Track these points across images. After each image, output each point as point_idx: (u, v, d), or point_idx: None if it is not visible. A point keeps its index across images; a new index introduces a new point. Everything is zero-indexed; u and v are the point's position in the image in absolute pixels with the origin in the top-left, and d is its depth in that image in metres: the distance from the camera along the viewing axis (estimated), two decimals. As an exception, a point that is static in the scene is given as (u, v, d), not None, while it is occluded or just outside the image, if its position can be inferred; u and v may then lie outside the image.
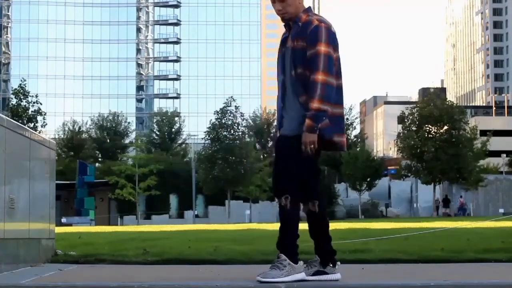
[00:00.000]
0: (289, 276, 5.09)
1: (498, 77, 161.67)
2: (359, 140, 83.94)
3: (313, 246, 5.39)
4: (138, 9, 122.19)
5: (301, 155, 5.16)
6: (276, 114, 5.72)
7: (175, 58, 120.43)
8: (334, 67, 5.17)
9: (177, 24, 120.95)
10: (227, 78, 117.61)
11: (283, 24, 5.39)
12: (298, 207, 5.23)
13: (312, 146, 5.11)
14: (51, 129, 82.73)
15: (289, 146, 5.19)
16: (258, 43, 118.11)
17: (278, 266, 5.12)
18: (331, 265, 5.28)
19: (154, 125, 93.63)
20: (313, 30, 5.15)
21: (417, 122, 59.66)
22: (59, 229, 12.92)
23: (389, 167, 74.04)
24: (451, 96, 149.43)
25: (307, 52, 5.14)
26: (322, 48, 5.10)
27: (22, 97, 59.51)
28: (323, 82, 5.09)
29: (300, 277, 5.15)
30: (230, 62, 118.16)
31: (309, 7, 5.33)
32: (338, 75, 5.27)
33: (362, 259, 7.56)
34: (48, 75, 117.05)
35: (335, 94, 5.20)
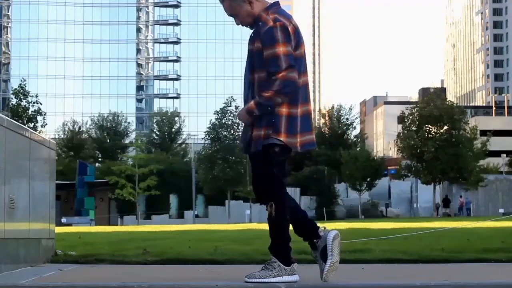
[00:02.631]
0: (277, 277, 5.07)
1: (498, 77, 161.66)
2: (359, 140, 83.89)
3: (307, 245, 5.38)
4: (138, 9, 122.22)
5: (273, 159, 5.13)
6: None
7: (175, 58, 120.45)
8: (295, 62, 5.03)
9: (177, 24, 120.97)
10: (227, 78, 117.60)
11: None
12: (285, 212, 5.16)
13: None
14: (51, 129, 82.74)
15: (259, 157, 5.16)
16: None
17: (267, 267, 5.14)
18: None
19: (154, 125, 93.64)
20: (267, 32, 5.03)
21: (417, 122, 59.70)
22: (59, 229, 12.93)
23: (389, 167, 74.05)
24: (451, 96, 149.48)
25: (263, 53, 5.04)
26: (280, 48, 4.98)
27: (22, 97, 59.52)
28: (283, 78, 4.96)
29: (291, 279, 5.11)
30: (230, 62, 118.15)
31: (271, 4, 5.21)
32: (303, 72, 5.17)
33: (362, 259, 7.56)
34: (48, 75, 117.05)
35: (295, 88, 5.05)
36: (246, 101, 5.27)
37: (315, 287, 5.10)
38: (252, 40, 5.19)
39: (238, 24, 5.31)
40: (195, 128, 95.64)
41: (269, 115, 5.08)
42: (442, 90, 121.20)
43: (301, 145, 5.20)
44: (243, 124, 5.34)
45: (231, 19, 5.34)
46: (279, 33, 5.01)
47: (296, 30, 5.15)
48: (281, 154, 5.17)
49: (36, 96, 59.97)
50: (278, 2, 5.27)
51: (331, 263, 5.13)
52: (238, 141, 60.63)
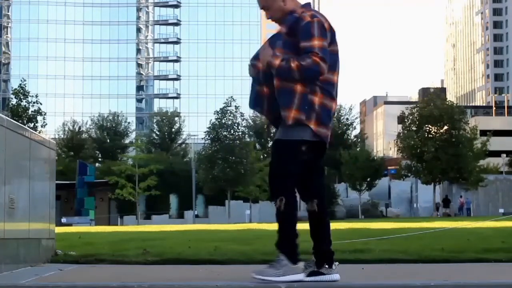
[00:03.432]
0: (285, 276, 5.06)
1: (498, 77, 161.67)
2: (359, 140, 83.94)
3: (311, 245, 5.36)
4: (138, 9, 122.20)
5: (294, 156, 5.13)
6: None
7: (175, 58, 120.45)
8: (331, 60, 5.11)
9: (177, 24, 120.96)
10: (227, 78, 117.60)
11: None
12: (294, 208, 5.19)
13: (264, 64, 5.12)
14: (51, 129, 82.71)
15: (281, 148, 5.17)
16: (258, 43, 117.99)
17: (275, 265, 5.11)
18: (326, 266, 5.20)
19: (154, 125, 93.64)
20: (304, 27, 5.11)
21: (417, 122, 59.69)
22: (59, 229, 12.92)
23: (389, 167, 74.03)
24: (451, 96, 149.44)
25: (300, 45, 5.10)
26: (316, 42, 5.06)
27: (22, 97, 59.49)
28: (314, 62, 5.01)
29: (297, 277, 5.10)
30: (230, 62, 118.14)
31: (307, 3, 5.32)
32: (334, 70, 5.22)
33: (362, 259, 7.55)
34: (48, 75, 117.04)
35: (315, 78, 5.08)
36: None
37: (315, 287, 5.10)
38: (285, 32, 5.24)
39: (268, 18, 5.37)
40: (195, 128, 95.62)
41: (301, 99, 5.09)
42: (442, 90, 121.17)
43: (326, 136, 5.24)
44: (252, 84, 5.33)
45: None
46: (316, 28, 5.11)
47: (331, 28, 5.24)
48: (306, 153, 5.18)
49: (36, 96, 59.94)
50: (310, 3, 5.38)
51: (313, 279, 5.15)
52: (238, 142, 60.58)
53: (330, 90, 5.20)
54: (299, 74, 5.04)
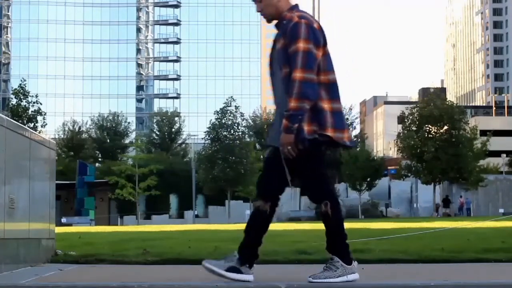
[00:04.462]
0: (342, 277, 5.08)
1: (498, 77, 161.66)
2: (359, 140, 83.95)
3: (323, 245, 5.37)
4: (138, 9, 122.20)
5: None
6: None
7: (175, 58, 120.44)
8: (315, 62, 5.06)
9: (177, 24, 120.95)
10: (227, 78, 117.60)
11: (274, 25, 5.36)
12: (340, 209, 5.22)
13: (290, 147, 5.00)
14: (51, 129, 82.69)
15: (307, 152, 5.14)
16: (258, 43, 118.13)
17: (330, 267, 5.12)
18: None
19: (154, 125, 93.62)
20: (291, 28, 5.08)
21: (417, 122, 59.66)
22: (59, 229, 12.92)
23: (389, 167, 73.97)
24: (451, 96, 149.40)
25: (288, 50, 5.08)
26: (301, 45, 5.02)
27: (22, 97, 59.47)
28: (301, 80, 4.98)
29: (352, 277, 5.12)
30: (230, 62, 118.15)
31: (295, 5, 5.28)
32: (329, 70, 5.17)
33: (362, 259, 7.53)
34: (48, 75, 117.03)
35: (316, 90, 5.07)
36: (279, 103, 5.26)
37: (315, 287, 5.10)
38: (278, 38, 5.23)
39: (257, 11, 5.33)
40: (195, 128, 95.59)
41: (311, 111, 5.07)
42: (442, 90, 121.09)
43: (349, 140, 5.24)
44: (274, 126, 5.28)
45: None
46: (303, 29, 5.07)
47: (321, 28, 5.21)
48: (325, 152, 5.23)
49: (36, 96, 59.92)
50: (298, 4, 5.34)
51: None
52: (238, 142, 60.58)
53: (335, 93, 5.21)
54: (304, 103, 5.00)
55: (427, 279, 5.44)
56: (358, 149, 74.46)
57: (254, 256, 5.23)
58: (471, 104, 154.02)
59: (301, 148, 5.04)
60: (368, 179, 63.90)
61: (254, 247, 5.23)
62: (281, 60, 5.15)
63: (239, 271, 5.15)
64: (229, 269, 5.15)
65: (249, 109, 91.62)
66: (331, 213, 5.15)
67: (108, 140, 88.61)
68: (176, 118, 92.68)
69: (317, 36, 5.12)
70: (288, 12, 5.22)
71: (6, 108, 72.14)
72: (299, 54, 5.02)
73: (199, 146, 67.69)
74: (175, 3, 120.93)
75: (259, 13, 5.33)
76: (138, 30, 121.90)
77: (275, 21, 5.33)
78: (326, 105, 5.13)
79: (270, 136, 5.37)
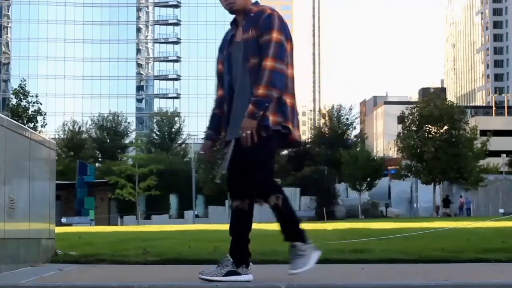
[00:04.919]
0: (314, 258, 5.07)
1: (498, 77, 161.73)
2: (359, 140, 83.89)
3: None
4: (138, 9, 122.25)
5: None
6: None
7: (175, 58, 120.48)
8: (286, 54, 5.09)
9: (177, 24, 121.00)
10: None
11: (230, 22, 5.35)
12: (287, 200, 5.14)
13: (250, 132, 4.95)
14: (51, 129, 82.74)
15: (265, 140, 5.09)
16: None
17: (301, 255, 5.07)
18: (244, 265, 5.17)
19: (154, 125, 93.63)
20: (266, 18, 5.11)
21: (417, 122, 59.68)
22: (59, 229, 12.93)
23: (389, 167, 73.99)
24: (451, 96, 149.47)
25: (259, 40, 5.08)
26: (274, 35, 5.06)
27: (22, 97, 59.54)
28: (271, 69, 4.99)
29: (318, 254, 5.13)
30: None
31: (256, 1, 5.32)
32: (292, 65, 5.20)
33: (362, 259, 7.55)
34: (48, 75, 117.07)
35: (285, 82, 5.08)
36: (227, 108, 5.25)
37: (315, 287, 5.10)
38: (245, 30, 5.19)
39: (226, 1, 5.25)
40: (195, 128, 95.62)
41: (276, 102, 5.06)
42: (442, 90, 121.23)
43: (300, 138, 5.26)
44: (232, 121, 5.23)
45: (231, 19, 5.34)
46: (276, 21, 5.11)
47: (287, 24, 5.25)
48: (278, 147, 5.26)
49: (36, 96, 59.97)
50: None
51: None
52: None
53: (293, 89, 5.23)
54: (272, 92, 4.98)
55: (427, 279, 5.44)
56: (358, 149, 74.49)
57: (247, 254, 5.20)
58: (471, 104, 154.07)
59: (262, 136, 4.99)
60: (368, 179, 63.91)
61: (244, 246, 5.21)
62: (250, 50, 5.12)
63: (237, 273, 5.15)
64: (227, 274, 5.14)
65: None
66: (283, 204, 5.09)
67: (108, 140, 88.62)
68: (176, 118, 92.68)
69: (288, 30, 5.18)
70: (253, 6, 5.25)
71: (6, 108, 72.20)
72: (272, 44, 5.04)
73: (199, 146, 67.65)
74: (175, 3, 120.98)
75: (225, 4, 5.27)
76: (138, 30, 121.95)
77: (232, 16, 5.32)
78: (288, 100, 5.14)
79: (228, 131, 5.32)
